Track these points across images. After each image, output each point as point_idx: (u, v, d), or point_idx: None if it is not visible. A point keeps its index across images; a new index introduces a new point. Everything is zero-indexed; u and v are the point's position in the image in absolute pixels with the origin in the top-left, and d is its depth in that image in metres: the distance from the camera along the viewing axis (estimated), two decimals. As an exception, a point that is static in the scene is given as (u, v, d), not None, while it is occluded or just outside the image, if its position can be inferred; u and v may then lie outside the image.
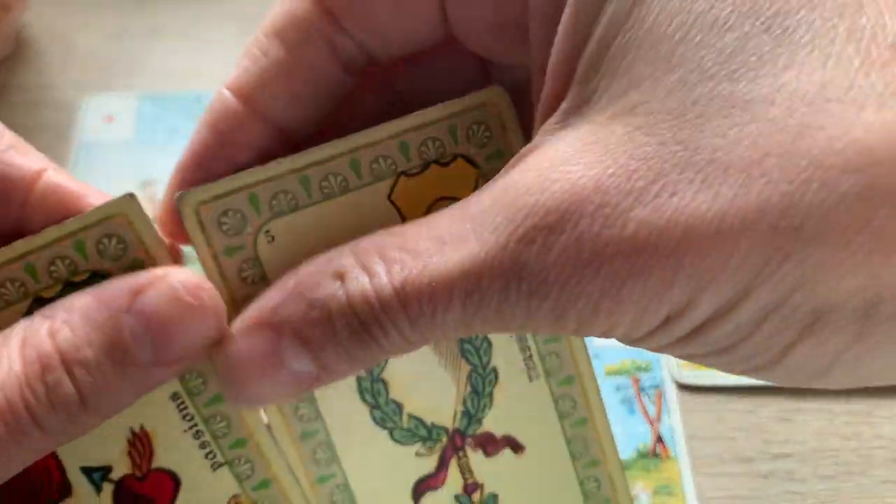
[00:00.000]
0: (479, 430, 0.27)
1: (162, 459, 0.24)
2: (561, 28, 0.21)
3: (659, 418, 0.43)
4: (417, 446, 0.26)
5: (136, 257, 0.23)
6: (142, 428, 0.24)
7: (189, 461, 0.25)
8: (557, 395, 0.27)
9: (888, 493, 0.41)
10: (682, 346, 0.21)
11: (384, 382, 0.26)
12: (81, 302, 0.22)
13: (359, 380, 0.26)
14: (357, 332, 0.21)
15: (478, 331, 0.21)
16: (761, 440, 0.43)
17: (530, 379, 0.27)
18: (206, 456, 0.25)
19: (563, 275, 0.20)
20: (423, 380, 0.26)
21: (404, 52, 0.25)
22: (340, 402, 0.26)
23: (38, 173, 0.24)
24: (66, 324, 0.21)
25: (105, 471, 0.24)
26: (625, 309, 0.20)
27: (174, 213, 0.24)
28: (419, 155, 0.25)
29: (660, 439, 0.43)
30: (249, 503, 0.25)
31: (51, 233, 0.23)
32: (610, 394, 0.44)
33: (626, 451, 0.42)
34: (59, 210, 0.24)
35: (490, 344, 0.27)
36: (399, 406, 0.26)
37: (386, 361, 0.26)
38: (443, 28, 0.25)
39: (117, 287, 0.22)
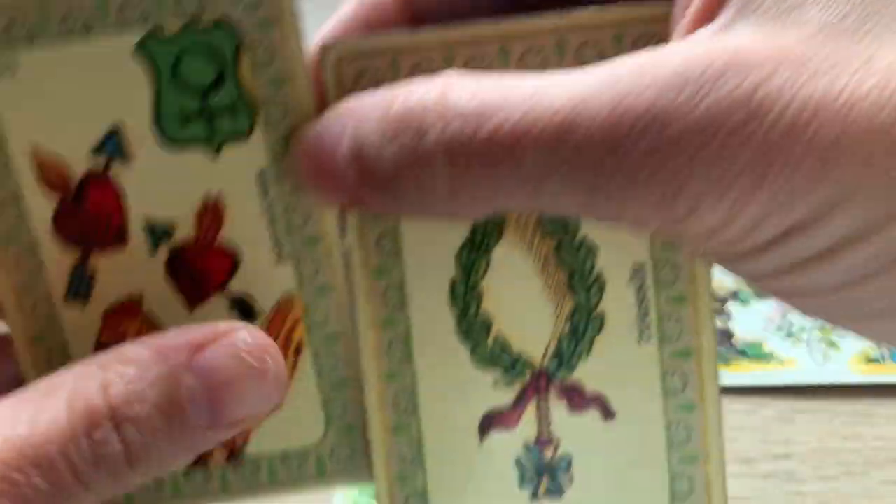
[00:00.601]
0: (569, 379, 0.24)
1: (229, 233, 0.23)
2: None
3: (658, 419, 0.43)
4: (496, 374, 0.24)
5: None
6: (219, 195, 0.23)
7: (255, 245, 0.23)
8: (668, 367, 0.24)
9: (889, 493, 0.41)
10: (795, 274, 0.19)
11: (479, 292, 0.24)
12: (137, 353, 0.20)
13: (452, 283, 0.24)
14: (411, 139, 0.19)
15: (549, 197, 0.19)
16: (762, 440, 0.43)
17: (640, 340, 0.24)
18: (274, 245, 0.23)
19: (707, 134, 0.17)
20: (520, 300, 0.24)
21: None
22: (429, 300, 0.24)
23: None
24: (119, 377, 0.20)
25: (167, 233, 0.23)
26: (756, 200, 0.18)
27: (318, 67, 0.22)
28: (576, 58, 0.22)
29: (660, 439, 0.43)
30: (303, 305, 0.23)
31: None
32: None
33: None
34: None
35: (604, 283, 0.24)
36: (487, 322, 0.24)
37: (487, 267, 0.24)
38: None
39: (176, 339, 0.20)
